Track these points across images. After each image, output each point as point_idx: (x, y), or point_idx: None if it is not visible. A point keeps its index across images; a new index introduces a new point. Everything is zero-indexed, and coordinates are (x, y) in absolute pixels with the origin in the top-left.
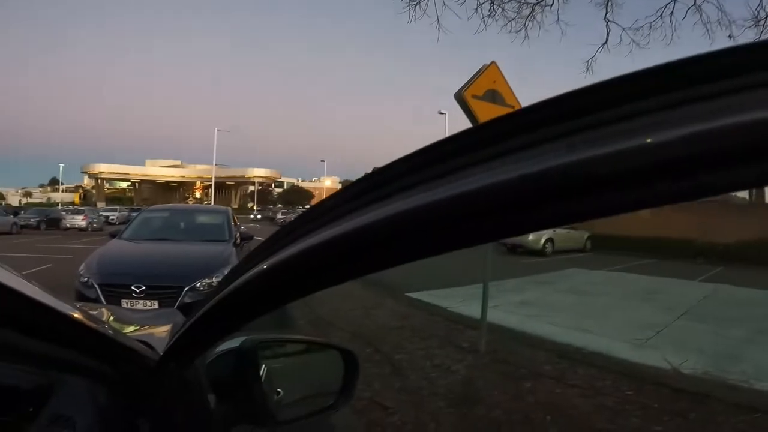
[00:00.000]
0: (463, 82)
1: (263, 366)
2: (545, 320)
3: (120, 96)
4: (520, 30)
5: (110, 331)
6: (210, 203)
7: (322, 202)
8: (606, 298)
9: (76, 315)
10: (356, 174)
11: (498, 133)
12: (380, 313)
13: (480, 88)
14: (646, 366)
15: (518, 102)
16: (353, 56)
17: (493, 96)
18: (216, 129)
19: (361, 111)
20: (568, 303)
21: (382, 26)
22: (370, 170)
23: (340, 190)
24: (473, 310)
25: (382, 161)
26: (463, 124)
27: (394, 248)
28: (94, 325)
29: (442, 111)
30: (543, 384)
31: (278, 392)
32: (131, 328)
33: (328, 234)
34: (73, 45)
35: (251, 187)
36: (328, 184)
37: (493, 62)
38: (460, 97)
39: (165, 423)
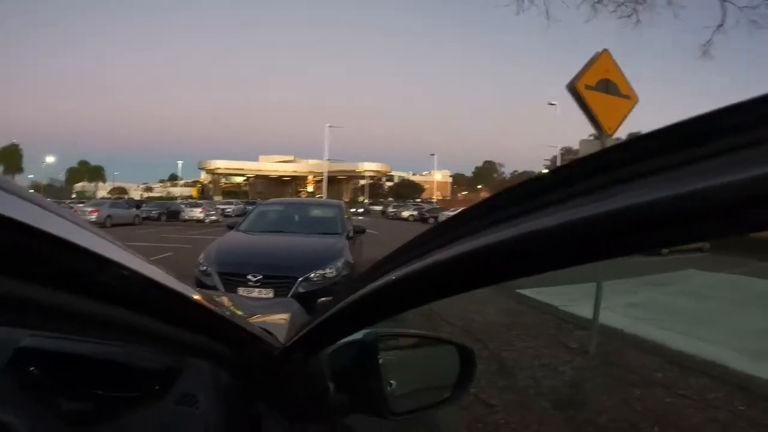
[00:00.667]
0: (574, 73)
1: (380, 359)
2: (657, 324)
3: (234, 94)
4: (630, 14)
5: (236, 319)
6: (322, 197)
7: (462, 212)
8: (725, 303)
9: (205, 302)
10: (466, 168)
11: (658, 147)
12: (491, 309)
13: (592, 77)
14: (763, 380)
15: (633, 92)
16: (460, 50)
17: (606, 86)
18: (327, 125)
19: (470, 104)
20: (683, 307)
21: (490, 17)
22: (480, 164)
23: (482, 201)
24: (584, 310)
25: (491, 155)
26: (575, 115)
27: (533, 263)
28: (221, 313)
29: (552, 102)
30: (652, 392)
31: (390, 384)
32: (251, 315)
33: (465, 247)
34: (188, 46)
35: (362, 181)
36: (438, 177)
37: (605, 50)
38: (572, 88)
39: (285, 407)
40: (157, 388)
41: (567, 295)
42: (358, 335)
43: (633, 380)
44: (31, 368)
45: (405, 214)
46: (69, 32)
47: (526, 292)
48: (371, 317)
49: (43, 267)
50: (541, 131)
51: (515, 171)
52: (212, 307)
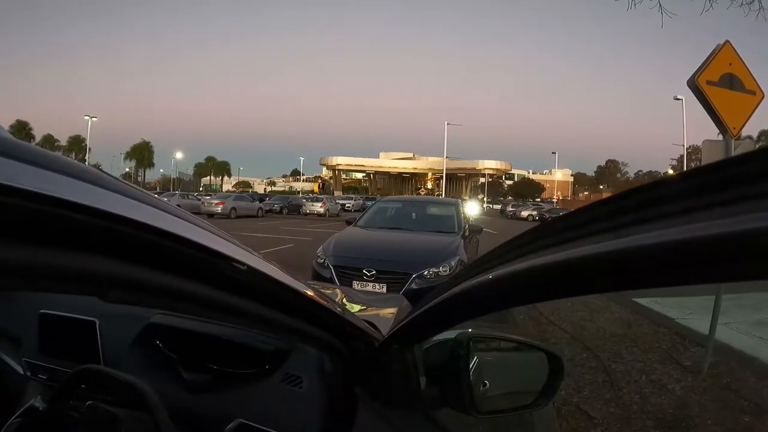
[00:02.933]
0: (695, 68)
1: (475, 357)
2: None
3: (355, 93)
4: (752, 1)
5: (344, 311)
6: (441, 194)
7: (559, 218)
8: None
9: (318, 298)
10: (588, 167)
11: None
12: (604, 316)
13: (715, 72)
14: None
15: (759, 87)
16: (583, 45)
17: (730, 81)
18: (446, 123)
19: (593, 100)
20: None
21: (606, 14)
22: (603, 163)
23: (585, 207)
24: (702, 325)
25: (614, 154)
26: (703, 111)
27: (639, 277)
28: (331, 306)
29: (678, 97)
30: (765, 423)
31: (485, 384)
32: (360, 308)
33: (564, 255)
34: (312, 45)
35: (482, 179)
36: (559, 176)
37: (726, 42)
38: (693, 85)
39: (380, 394)
40: (266, 367)
41: (687, 307)
42: (451, 334)
43: (744, 407)
44: (158, 342)
45: (524, 213)
46: (199, 32)
47: (643, 301)
48: (465, 314)
49: (179, 262)
50: (667, 128)
51: (639, 171)
52: (323, 301)
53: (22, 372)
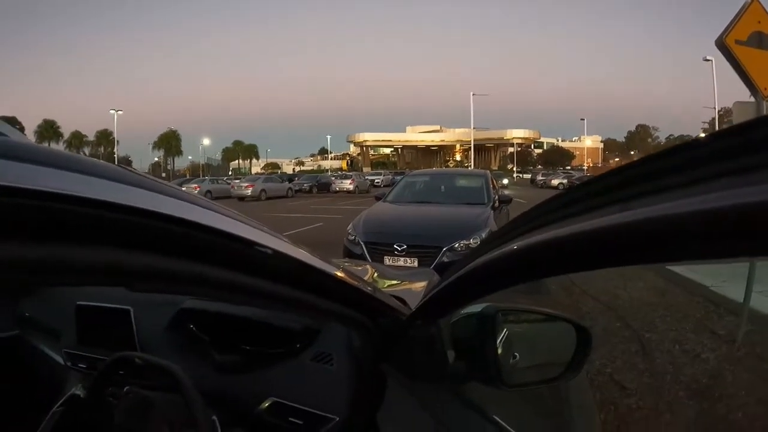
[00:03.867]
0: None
1: (504, 330)
2: None
3: (380, 68)
4: None
5: (370, 289)
6: (470, 166)
7: (586, 183)
8: None
9: (345, 276)
10: (618, 132)
11: None
12: (636, 285)
13: (743, 31)
14: None
15: None
16: (606, 10)
17: (759, 39)
18: (472, 93)
19: (621, 62)
20: None
21: None
22: (633, 128)
23: (608, 173)
24: (737, 293)
25: (644, 118)
26: (732, 72)
27: (669, 248)
28: (357, 284)
29: (707, 57)
30: None
31: (515, 356)
32: (391, 283)
33: (591, 225)
34: (331, 23)
35: (510, 149)
36: (588, 143)
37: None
38: (721, 44)
39: (408, 368)
40: (297, 346)
41: (722, 274)
42: (478, 308)
43: None
44: (191, 326)
45: (554, 182)
46: (217, 16)
47: (677, 269)
48: (489, 287)
49: (204, 250)
50: (697, 91)
51: (671, 135)
52: (351, 280)
53: (62, 362)
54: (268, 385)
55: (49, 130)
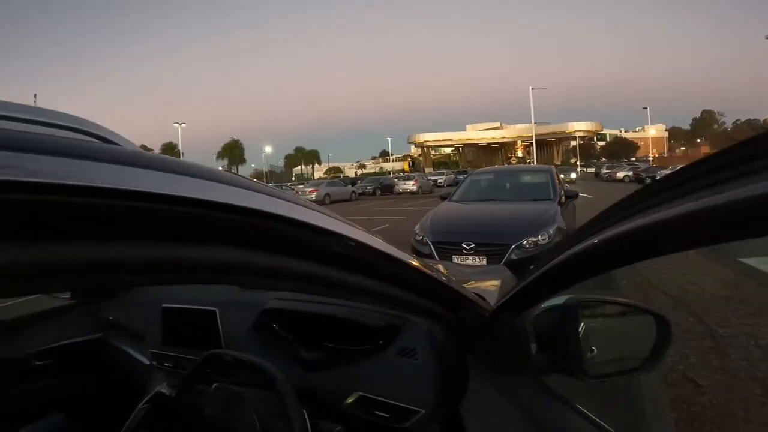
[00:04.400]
0: None
1: (582, 324)
2: None
3: (437, 67)
4: None
5: (454, 284)
6: (532, 162)
7: (668, 176)
8: None
9: (427, 270)
10: (682, 120)
11: None
12: (708, 279)
13: None
14: None
15: None
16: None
17: None
18: (531, 88)
19: (682, 49)
20: None
21: None
22: (698, 114)
23: (689, 165)
24: None
25: (709, 104)
26: None
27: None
28: (441, 278)
29: None
30: None
31: (592, 350)
32: (463, 282)
33: (671, 213)
34: (387, 27)
35: (572, 143)
36: (652, 133)
37: None
38: None
39: (491, 361)
40: (380, 342)
41: None
42: (560, 300)
43: None
44: (274, 325)
45: (620, 174)
46: (275, 25)
47: (750, 261)
48: (573, 279)
49: (303, 246)
50: (763, 72)
51: (737, 120)
52: (433, 273)
53: (146, 362)
54: (353, 381)
55: None
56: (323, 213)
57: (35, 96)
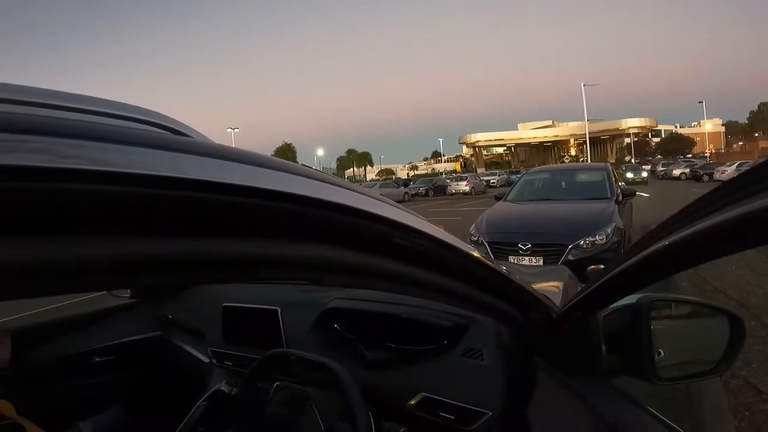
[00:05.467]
0: None
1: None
2: None
3: (487, 67)
4: None
5: (523, 283)
6: (586, 160)
7: (738, 176)
8: None
9: (497, 267)
10: (740, 113)
11: None
12: None
13: None
14: None
15: None
16: None
17: None
18: (582, 84)
19: (737, 38)
20: None
21: None
22: (756, 107)
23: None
24: None
25: (766, 96)
26: None
27: None
28: (512, 277)
29: None
30: None
31: (659, 352)
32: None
33: (744, 210)
34: (438, 27)
35: (626, 140)
36: (708, 128)
37: None
38: None
39: (560, 362)
40: (445, 342)
41: None
42: (631, 299)
43: None
44: (335, 325)
45: (676, 172)
46: (327, 29)
47: None
48: (645, 280)
49: (379, 241)
50: None
51: None
52: (504, 271)
53: (206, 360)
54: (418, 381)
55: None
56: (402, 209)
57: None
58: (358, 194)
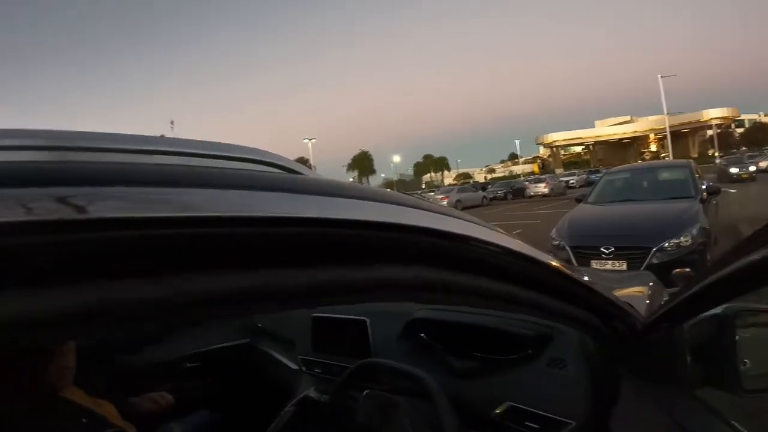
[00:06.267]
0: None
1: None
2: None
3: (562, 64)
4: None
5: (606, 292)
6: (668, 156)
7: None
8: None
9: (578, 277)
10: None
11: None
12: None
13: None
14: None
15: None
16: None
17: None
18: (659, 76)
19: None
20: None
21: None
22: None
23: None
24: None
25: None
26: None
27: None
28: (592, 286)
29: None
30: None
31: (744, 362)
32: (611, 287)
33: None
34: (511, 28)
35: (708, 132)
36: None
37: None
38: None
39: (645, 372)
40: (529, 352)
41: None
42: (717, 309)
43: None
44: (422, 334)
45: (763, 164)
46: (400, 35)
47: None
48: (739, 291)
49: (467, 261)
50: None
51: None
52: (585, 281)
53: (295, 367)
54: (503, 390)
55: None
56: (482, 225)
57: (172, 123)
58: (455, 219)
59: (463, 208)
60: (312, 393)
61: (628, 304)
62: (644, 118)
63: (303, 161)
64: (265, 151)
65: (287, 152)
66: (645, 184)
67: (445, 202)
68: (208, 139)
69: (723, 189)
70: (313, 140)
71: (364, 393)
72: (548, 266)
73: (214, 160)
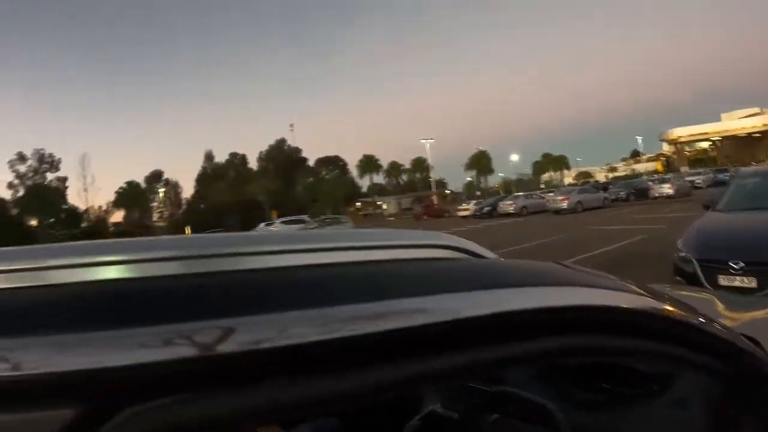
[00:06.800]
0: None
1: None
2: None
3: (684, 55)
4: None
5: (726, 333)
6: None
7: None
8: None
9: (696, 319)
10: None
11: None
12: None
13: None
14: None
15: None
16: None
17: None
18: None
19: None
20: None
21: None
22: None
23: None
24: None
25: None
26: None
27: None
28: (713, 328)
29: None
30: None
31: None
32: (737, 315)
33: None
34: (629, 20)
35: None
36: None
37: None
38: None
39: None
40: (655, 388)
41: None
42: None
43: None
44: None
45: None
46: (511, 37)
47: None
48: None
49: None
50: None
51: None
52: (705, 324)
53: None
54: (624, 425)
55: (369, 163)
56: (647, 296)
57: (291, 126)
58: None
59: (584, 210)
60: (439, 409)
61: (753, 340)
62: None
63: (420, 161)
64: (443, 234)
65: (405, 153)
66: None
67: (565, 204)
68: (368, 229)
69: None
70: (430, 140)
71: (493, 417)
72: (670, 316)
73: (396, 250)
